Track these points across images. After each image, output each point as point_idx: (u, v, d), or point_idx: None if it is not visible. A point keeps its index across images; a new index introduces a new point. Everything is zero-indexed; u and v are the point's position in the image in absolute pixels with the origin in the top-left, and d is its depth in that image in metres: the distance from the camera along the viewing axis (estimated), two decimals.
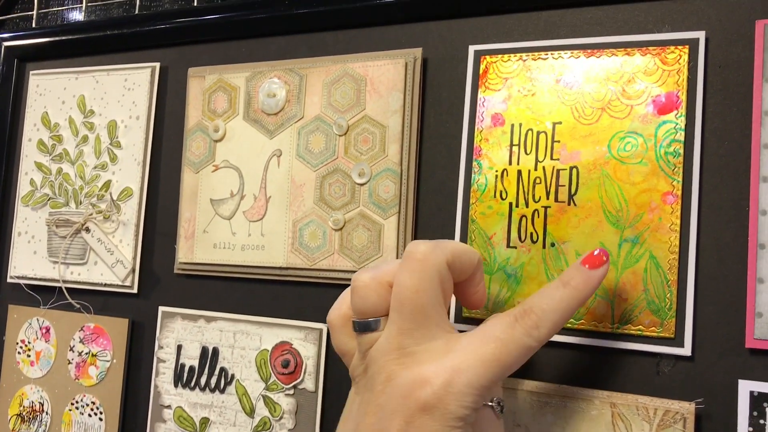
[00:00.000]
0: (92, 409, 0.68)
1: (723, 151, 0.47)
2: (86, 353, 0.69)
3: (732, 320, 0.46)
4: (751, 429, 0.44)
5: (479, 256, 0.43)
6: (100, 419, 0.67)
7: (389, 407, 0.38)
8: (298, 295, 0.60)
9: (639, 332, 0.47)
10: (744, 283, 0.46)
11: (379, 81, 0.57)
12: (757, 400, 0.44)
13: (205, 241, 0.63)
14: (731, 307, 0.46)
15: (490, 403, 0.40)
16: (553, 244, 0.50)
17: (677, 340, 0.46)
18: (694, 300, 0.46)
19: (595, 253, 0.42)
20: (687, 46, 0.48)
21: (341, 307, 0.45)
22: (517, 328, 0.39)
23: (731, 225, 0.46)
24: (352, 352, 0.44)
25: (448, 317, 0.45)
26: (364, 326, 0.41)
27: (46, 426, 0.70)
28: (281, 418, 0.58)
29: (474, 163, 0.53)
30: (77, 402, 0.68)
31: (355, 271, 0.56)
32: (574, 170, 0.50)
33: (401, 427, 0.37)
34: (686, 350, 0.46)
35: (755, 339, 0.45)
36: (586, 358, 0.50)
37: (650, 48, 0.49)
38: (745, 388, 0.45)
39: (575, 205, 0.50)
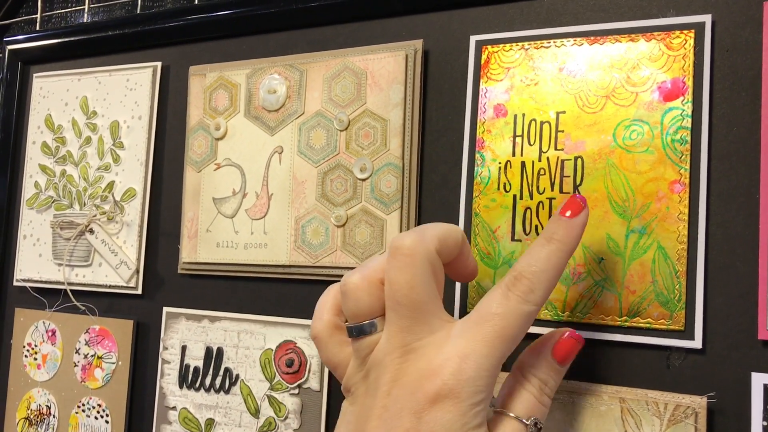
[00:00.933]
0: (98, 412, 0.67)
1: (732, 138, 0.46)
2: (92, 355, 0.68)
3: (744, 311, 0.44)
4: (765, 423, 0.43)
5: (462, 233, 0.42)
6: (107, 422, 0.67)
7: (396, 407, 0.37)
8: (301, 293, 0.59)
9: (648, 325, 0.46)
10: (755, 273, 0.44)
11: (380, 74, 0.56)
12: None
13: (209, 241, 0.63)
14: (743, 297, 0.44)
15: (526, 423, 0.39)
16: None
17: (687, 333, 0.45)
18: (704, 291, 0.45)
19: (576, 199, 0.41)
20: (693, 31, 0.47)
21: (323, 316, 0.43)
22: (511, 298, 0.38)
23: (741, 213, 0.45)
24: (345, 362, 0.42)
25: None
26: (360, 330, 0.40)
27: (53, 429, 0.70)
28: (286, 418, 0.57)
29: (477, 156, 0.52)
30: (84, 405, 0.68)
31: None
32: (579, 160, 0.49)
33: (412, 424, 0.36)
34: (697, 343, 0.45)
35: None
36: (594, 353, 0.48)
37: (655, 33, 0.48)
38: (759, 380, 0.43)
39: (581, 195, 0.49)
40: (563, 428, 0.47)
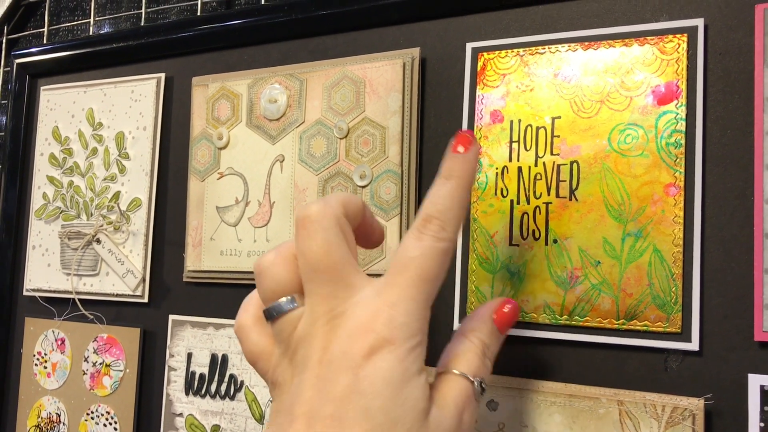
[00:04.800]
0: (107, 419, 0.68)
1: (726, 140, 0.46)
2: (100, 363, 0.69)
3: (740, 313, 0.45)
4: (762, 424, 0.43)
5: (361, 199, 0.41)
6: (115, 429, 0.68)
7: (330, 371, 0.35)
8: None
9: (645, 328, 0.46)
10: (751, 275, 0.44)
11: (378, 82, 0.57)
12: (767, 393, 0.43)
13: (212, 249, 0.63)
14: (739, 299, 0.45)
15: (472, 379, 0.39)
16: (555, 241, 0.50)
17: (684, 335, 0.45)
18: (700, 293, 0.45)
19: (465, 134, 0.41)
20: (686, 35, 0.47)
21: (248, 309, 0.42)
22: (425, 239, 0.38)
23: (736, 215, 0.45)
24: (268, 352, 0.39)
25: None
26: (279, 308, 0.38)
27: None
28: None
29: None
30: (93, 412, 0.69)
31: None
32: (575, 165, 0.50)
33: (349, 381, 0.34)
34: (694, 345, 0.45)
35: (764, 332, 0.43)
36: (592, 356, 0.49)
37: (648, 38, 0.48)
38: (756, 382, 0.43)
39: (577, 200, 0.49)
40: (562, 431, 0.48)
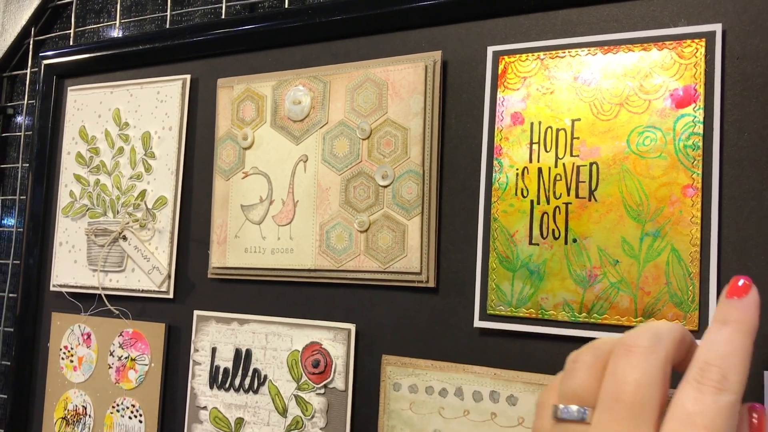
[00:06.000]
0: (132, 412, 0.70)
1: (743, 143, 0.47)
2: (125, 357, 0.71)
3: None
4: None
5: (690, 336, 0.38)
6: (140, 421, 0.69)
7: None
8: (326, 296, 0.62)
9: None
10: (767, 272, 0.45)
11: (401, 84, 0.58)
12: None
13: (237, 246, 0.65)
14: None
15: None
16: (575, 240, 0.51)
17: (701, 333, 0.46)
18: (717, 292, 0.46)
19: (739, 283, 0.37)
20: (704, 39, 0.48)
21: (555, 386, 0.40)
22: (705, 391, 0.34)
23: (753, 216, 0.46)
24: None
25: None
26: (568, 415, 0.37)
27: (89, 429, 0.72)
28: (313, 416, 0.59)
29: (495, 162, 0.54)
30: (118, 405, 0.71)
31: (380, 272, 0.58)
32: (594, 166, 0.51)
33: None
34: None
35: None
36: None
37: (667, 42, 0.49)
38: None
39: (596, 200, 0.50)
40: None
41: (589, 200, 0.51)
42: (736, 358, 0.34)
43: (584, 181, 0.51)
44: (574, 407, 0.36)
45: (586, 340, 0.50)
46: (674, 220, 0.48)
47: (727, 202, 0.47)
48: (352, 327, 0.59)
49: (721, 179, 0.47)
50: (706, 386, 0.34)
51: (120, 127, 0.74)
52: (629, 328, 0.48)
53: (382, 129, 0.59)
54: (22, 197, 0.87)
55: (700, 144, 0.48)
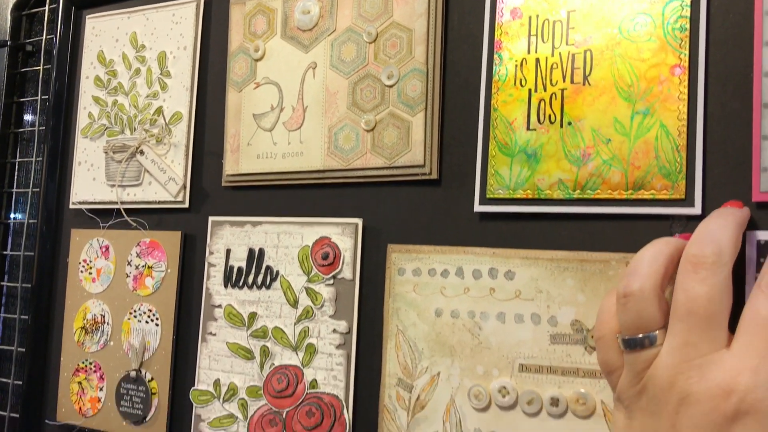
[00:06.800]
0: (149, 317, 0.73)
1: (728, 24, 0.50)
2: (143, 266, 0.74)
3: (739, 178, 0.49)
4: (757, 274, 0.47)
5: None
6: (156, 324, 0.73)
7: (689, 427, 0.36)
8: (335, 195, 0.65)
9: (652, 196, 0.51)
10: (749, 145, 0.48)
11: None
12: (763, 247, 0.47)
13: (249, 153, 0.68)
14: (738, 165, 0.49)
15: None
16: (570, 123, 0.54)
17: (688, 201, 0.50)
18: (703, 162, 0.49)
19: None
20: None
21: (608, 321, 0.42)
22: None
23: (738, 90, 0.49)
24: (619, 372, 0.41)
25: None
26: (637, 343, 0.39)
27: (107, 335, 0.76)
28: (322, 306, 0.63)
29: (495, 56, 0.57)
30: (135, 311, 0.74)
31: (386, 167, 0.61)
32: (588, 53, 0.54)
33: None
34: (697, 209, 0.49)
35: (761, 192, 0.47)
36: (603, 228, 0.53)
37: None
38: (752, 238, 0.47)
39: (590, 84, 0.53)
40: (574, 294, 0.52)
41: (584, 85, 0.54)
42: None
43: (579, 68, 0.54)
44: (641, 335, 0.39)
45: (580, 216, 0.53)
46: (663, 98, 0.51)
47: (712, 79, 0.50)
48: (360, 221, 0.62)
49: (707, 58, 0.50)
50: None
51: (137, 50, 0.78)
52: (621, 201, 0.52)
53: (387, 32, 0.62)
54: (41, 128, 0.91)
55: (688, 26, 0.51)
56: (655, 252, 0.41)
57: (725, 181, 0.49)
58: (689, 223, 0.50)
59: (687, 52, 0.50)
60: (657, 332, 0.39)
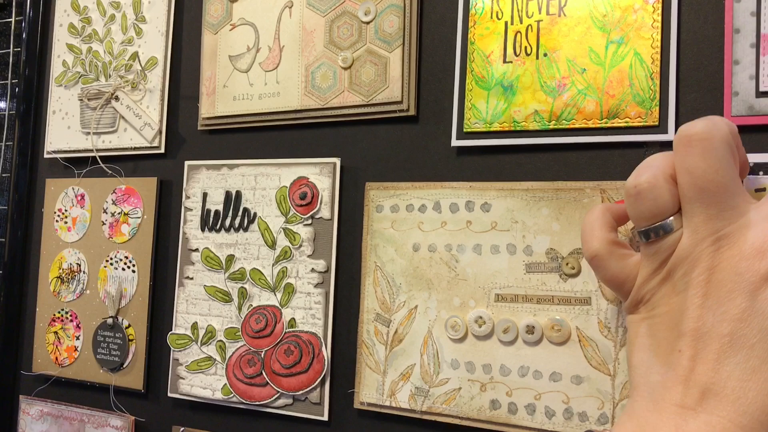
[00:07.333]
0: (126, 263, 0.73)
1: None
2: (119, 213, 0.74)
3: (711, 104, 0.49)
4: None
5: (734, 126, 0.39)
6: (133, 271, 0.72)
7: (722, 291, 0.35)
8: (313, 136, 0.65)
9: (626, 124, 0.51)
10: (722, 67, 0.49)
11: None
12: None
13: (226, 96, 0.68)
14: (711, 91, 0.49)
15: None
16: (545, 54, 0.54)
17: (661, 127, 0.50)
18: (676, 89, 0.50)
19: None
20: None
21: (596, 234, 0.42)
22: None
23: (709, 17, 0.50)
24: (633, 276, 0.41)
25: None
26: (662, 228, 0.38)
27: (83, 284, 0.75)
28: (300, 245, 0.63)
29: None
30: (111, 258, 0.74)
31: (364, 105, 0.61)
32: None
33: (747, 303, 0.34)
34: (670, 136, 0.50)
35: (732, 116, 0.48)
36: (578, 157, 0.53)
37: None
38: None
39: (565, 15, 0.54)
40: (549, 222, 0.53)
41: (559, 16, 0.54)
42: None
43: None
44: (667, 220, 0.38)
45: (556, 147, 0.54)
46: (637, 27, 0.51)
47: (685, 8, 0.51)
48: (337, 160, 0.62)
49: None
50: None
51: None
52: (596, 129, 0.52)
53: None
54: (14, 81, 0.89)
55: None
56: (661, 154, 0.40)
57: (698, 107, 0.50)
58: (663, 150, 0.51)
59: None
60: (675, 216, 0.38)
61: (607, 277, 0.42)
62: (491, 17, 0.56)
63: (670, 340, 0.37)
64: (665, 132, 0.50)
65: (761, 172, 0.47)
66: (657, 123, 0.50)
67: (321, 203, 0.62)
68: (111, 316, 0.73)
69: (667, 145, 0.50)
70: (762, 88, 0.47)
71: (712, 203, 0.36)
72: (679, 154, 0.38)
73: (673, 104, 0.50)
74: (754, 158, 0.47)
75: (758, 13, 0.48)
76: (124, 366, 0.72)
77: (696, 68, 0.50)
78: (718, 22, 0.49)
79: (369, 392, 0.59)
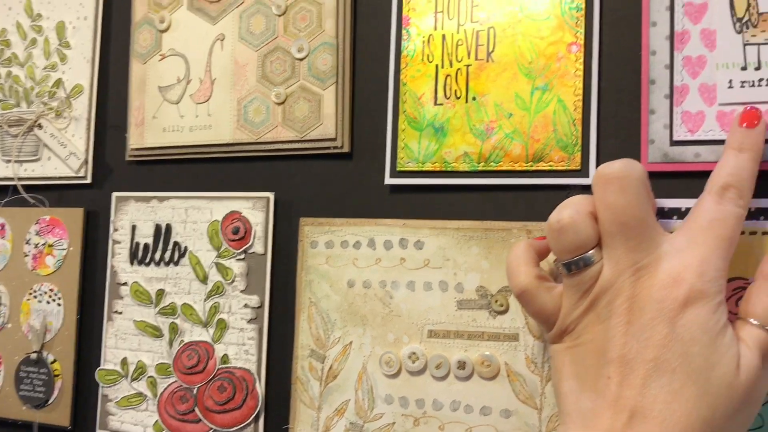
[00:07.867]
0: (50, 296, 0.71)
1: (618, 5, 0.53)
2: (42, 244, 0.72)
3: (629, 150, 0.52)
4: None
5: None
6: (59, 304, 0.70)
7: (643, 319, 0.38)
8: (245, 169, 0.65)
9: (550, 167, 0.53)
10: (638, 120, 0.52)
11: None
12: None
13: (155, 127, 0.67)
14: (629, 138, 0.52)
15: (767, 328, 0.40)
16: (474, 98, 0.56)
17: (583, 172, 0.53)
18: (597, 135, 0.53)
19: (747, 108, 0.43)
20: None
21: (523, 270, 0.45)
22: (726, 204, 0.40)
23: (627, 68, 0.53)
24: (558, 309, 0.43)
25: None
26: (584, 261, 0.41)
27: (4, 317, 0.73)
28: (233, 281, 0.63)
29: (404, 32, 0.59)
30: (35, 291, 0.72)
31: (298, 141, 0.61)
32: (492, 30, 0.56)
33: (668, 329, 0.37)
34: (591, 179, 0.52)
35: (648, 163, 0.51)
36: (505, 198, 0.55)
37: None
38: None
39: (493, 61, 0.56)
40: (479, 261, 0.54)
41: (487, 61, 0.56)
42: (748, 182, 0.41)
43: (483, 45, 0.56)
44: (588, 253, 0.41)
45: (484, 187, 0.56)
46: (560, 74, 0.54)
47: (605, 58, 0.53)
48: (271, 195, 0.62)
49: (601, 37, 0.53)
50: (726, 200, 0.40)
51: (32, 19, 0.74)
52: (522, 172, 0.54)
53: (297, 5, 0.62)
54: None
55: (583, 6, 0.53)
56: (579, 195, 0.44)
57: (617, 154, 0.52)
58: (584, 192, 0.53)
59: (583, 30, 0.53)
60: (596, 249, 0.41)
61: (535, 309, 0.44)
62: (422, 59, 0.58)
63: (597, 367, 0.40)
64: (587, 176, 0.53)
65: (675, 217, 0.50)
66: (579, 167, 0.53)
67: (254, 238, 0.62)
68: (35, 351, 0.70)
69: (588, 189, 0.52)
70: (675, 137, 0.51)
71: (632, 236, 0.39)
72: (598, 192, 0.41)
73: (594, 150, 0.52)
74: (668, 203, 0.50)
75: (671, 66, 0.51)
76: (49, 402, 0.70)
77: (615, 116, 0.53)
78: (635, 73, 0.52)
79: (304, 428, 0.59)
